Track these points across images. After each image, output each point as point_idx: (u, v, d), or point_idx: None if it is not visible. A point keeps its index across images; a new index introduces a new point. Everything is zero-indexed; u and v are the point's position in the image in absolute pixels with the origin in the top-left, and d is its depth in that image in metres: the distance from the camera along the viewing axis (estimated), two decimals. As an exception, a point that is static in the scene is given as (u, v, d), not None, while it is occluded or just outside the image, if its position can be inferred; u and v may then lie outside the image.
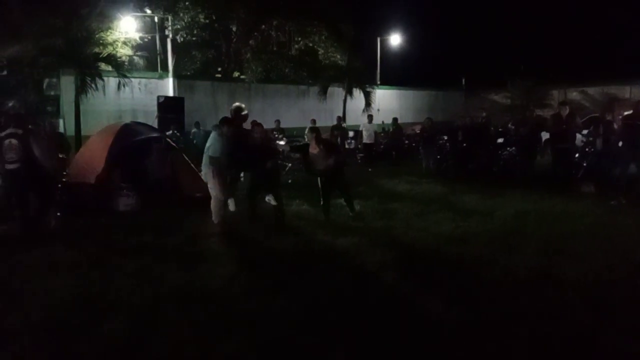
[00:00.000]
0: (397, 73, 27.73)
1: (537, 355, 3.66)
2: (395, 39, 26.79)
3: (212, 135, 7.48)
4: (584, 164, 10.61)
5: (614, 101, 19.88)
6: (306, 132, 8.09)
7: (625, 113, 10.86)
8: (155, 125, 13.58)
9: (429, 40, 31.01)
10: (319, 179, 7.80)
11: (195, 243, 6.73)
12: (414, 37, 28.65)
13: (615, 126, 11.59)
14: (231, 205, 7.96)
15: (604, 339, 3.84)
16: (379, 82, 25.49)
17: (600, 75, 22.82)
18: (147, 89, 17.21)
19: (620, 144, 10.25)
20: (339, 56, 23.20)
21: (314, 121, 15.65)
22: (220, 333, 4.02)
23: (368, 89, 20.49)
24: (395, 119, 16.81)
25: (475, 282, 5.16)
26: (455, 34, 32.74)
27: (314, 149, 7.67)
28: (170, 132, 12.36)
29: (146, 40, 19.31)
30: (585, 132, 11.48)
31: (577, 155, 11.10)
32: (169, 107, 15.34)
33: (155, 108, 15.36)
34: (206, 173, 7.45)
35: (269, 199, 7.56)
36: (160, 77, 18.15)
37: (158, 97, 15.75)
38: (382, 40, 26.70)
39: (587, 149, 11.02)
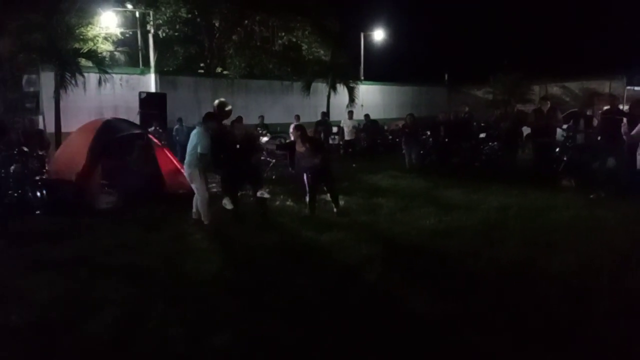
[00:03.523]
0: (381, 69, 27.76)
1: (522, 345, 3.71)
2: (378, 35, 26.83)
3: (197, 132, 7.13)
4: (565, 158, 10.76)
5: (594, 96, 20.16)
6: (291, 130, 8.09)
7: (605, 108, 11.05)
8: (137, 121, 13.42)
9: (413, 36, 31.09)
10: (305, 175, 7.80)
11: (179, 240, 6.69)
12: (397, 32, 28.72)
13: (595, 121, 11.80)
14: (228, 203, 7.41)
15: (585, 328, 3.92)
16: (362, 78, 25.50)
17: (581, 71, 23.14)
18: (128, 85, 16.98)
19: (599, 138, 10.43)
20: (322, 51, 23.15)
21: (298, 117, 15.65)
22: (206, 329, 4.01)
23: (352, 85, 20.48)
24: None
25: (460, 275, 5.21)
26: (439, 29, 32.86)
27: (300, 147, 7.67)
28: (153, 128, 12.20)
29: (127, 35, 19.03)
30: (565, 126, 11.64)
31: (557, 149, 11.25)
32: (151, 103, 15.13)
33: (137, 104, 15.17)
34: (191, 173, 7.14)
35: (262, 193, 7.49)
36: (142, 73, 17.93)
37: (140, 93, 15.54)
38: (365, 36, 26.71)
39: (567, 143, 11.17)
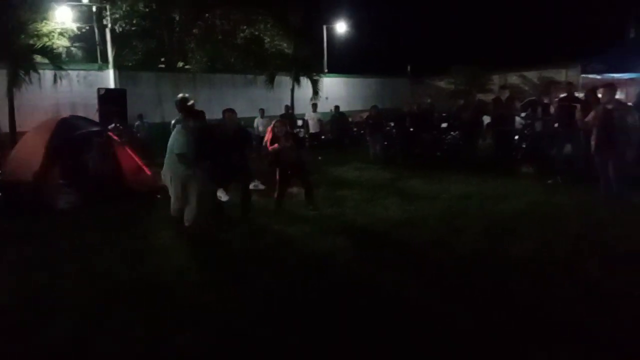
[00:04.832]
0: (345, 61, 27.84)
1: (483, 330, 3.81)
2: (341, 27, 26.88)
3: (176, 130, 6.51)
4: (523, 146, 11.05)
5: (551, 84, 20.68)
6: (276, 124, 7.75)
7: (561, 95, 11.36)
8: (96, 118, 13.11)
9: (375, 28, 31.32)
10: (279, 170, 7.62)
11: (141, 239, 6.55)
12: (360, 25, 28.85)
13: (552, 108, 12.13)
14: (223, 195, 7.03)
15: (543, 312, 4.05)
16: (326, 70, 25.51)
17: (538, 60, 23.71)
18: (86, 81, 16.54)
19: (556, 125, 10.74)
20: (285, 45, 23.02)
21: (262, 111, 15.56)
22: (169, 329, 3.97)
23: (315, 78, 20.47)
24: (336, 107, 17.24)
25: (423, 264, 5.32)
26: (400, 21, 33.20)
27: (285, 142, 7.45)
28: (113, 125, 11.94)
29: (84, 30, 18.52)
30: (523, 114, 11.93)
31: (516, 137, 11.53)
32: (110, 100, 14.81)
33: (96, 101, 14.81)
34: (165, 176, 6.53)
35: (256, 185, 7.33)
36: (100, 69, 17.49)
37: (98, 90, 15.18)
38: (328, 29, 26.71)
39: (525, 131, 11.47)
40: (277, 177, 7.66)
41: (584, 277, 4.75)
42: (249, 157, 7.65)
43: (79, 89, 16.16)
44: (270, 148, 7.61)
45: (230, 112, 7.26)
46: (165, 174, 6.50)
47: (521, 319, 3.95)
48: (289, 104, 18.63)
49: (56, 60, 14.02)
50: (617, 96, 8.76)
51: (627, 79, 14.89)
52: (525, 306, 4.19)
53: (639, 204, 7.14)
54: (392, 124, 14.06)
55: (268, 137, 7.88)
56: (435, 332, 3.80)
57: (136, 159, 9.29)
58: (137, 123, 14.56)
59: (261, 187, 7.41)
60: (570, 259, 5.21)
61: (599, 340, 3.60)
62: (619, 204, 7.09)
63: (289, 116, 16.50)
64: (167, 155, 6.45)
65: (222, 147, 6.98)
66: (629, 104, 10.00)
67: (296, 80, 20.26)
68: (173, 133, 6.53)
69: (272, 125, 7.88)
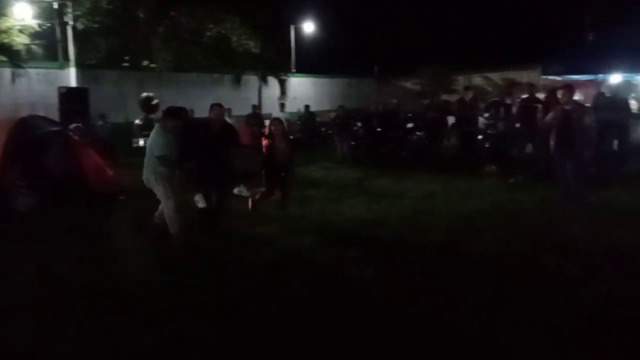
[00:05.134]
0: (313, 61, 27.87)
1: (445, 325, 3.88)
2: (308, 27, 26.90)
3: (154, 131, 6.17)
4: (486, 145, 11.29)
5: (513, 85, 21.13)
6: (273, 122, 7.50)
7: (523, 96, 11.65)
8: (57, 118, 12.76)
9: (343, 29, 31.36)
10: (267, 172, 7.37)
11: (102, 242, 6.39)
12: (328, 25, 28.89)
13: (514, 109, 12.42)
14: (200, 201, 6.74)
15: (503, 309, 4.15)
16: (294, 70, 25.50)
17: (501, 62, 24.27)
18: (46, 80, 16.10)
19: (517, 125, 11.00)
20: (252, 44, 22.90)
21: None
22: (128, 334, 3.89)
23: (282, 77, 20.50)
24: (306, 106, 17.20)
25: (388, 262, 5.39)
26: (368, 22, 33.42)
27: (279, 142, 7.27)
28: (74, 125, 11.63)
29: (45, 27, 18.01)
30: (486, 115, 12.18)
31: (480, 137, 11.77)
32: (71, 99, 14.46)
33: (57, 100, 14.43)
34: (148, 179, 6.15)
35: (240, 191, 7.08)
36: (61, 67, 17.04)
37: (59, 89, 14.80)
38: (296, 28, 26.71)
39: (488, 131, 11.72)
40: (266, 177, 7.39)
41: (541, 272, 4.90)
42: (237, 156, 7.29)
43: (39, 87, 15.72)
44: (264, 143, 7.37)
45: (218, 106, 6.85)
46: (148, 177, 6.12)
47: (482, 312, 4.05)
48: (256, 103, 18.55)
49: (15, 58, 13.64)
50: (576, 97, 9.05)
51: (585, 81, 15.40)
52: (487, 298, 4.30)
53: (596, 202, 7.40)
54: (360, 124, 14.17)
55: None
56: (396, 330, 3.85)
57: (98, 159, 9.06)
58: (99, 123, 14.21)
59: (246, 194, 7.14)
60: (530, 255, 5.37)
61: (556, 332, 3.71)
62: (577, 202, 7.32)
63: (256, 116, 16.42)
64: (146, 159, 6.10)
65: (208, 145, 6.51)
66: (587, 105, 10.35)
67: (263, 80, 20.22)
68: (151, 134, 6.19)
69: (269, 123, 7.63)
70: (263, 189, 7.51)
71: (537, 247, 5.60)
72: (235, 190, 7.07)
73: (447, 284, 4.70)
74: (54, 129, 9.16)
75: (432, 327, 3.89)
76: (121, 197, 8.04)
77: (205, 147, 6.45)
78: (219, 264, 5.44)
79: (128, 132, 12.40)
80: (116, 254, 5.87)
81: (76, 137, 9.30)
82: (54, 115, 13.11)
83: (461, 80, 24.55)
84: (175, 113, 6.26)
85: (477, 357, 3.52)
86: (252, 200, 7.57)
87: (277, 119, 7.83)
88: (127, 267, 5.38)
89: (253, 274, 5.13)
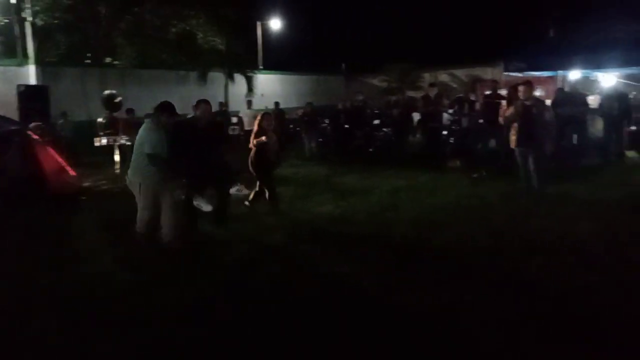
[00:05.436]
0: (280, 58, 27.80)
1: (410, 318, 3.94)
2: (275, 24, 26.78)
3: (144, 127, 5.58)
4: (451, 141, 11.48)
5: (476, 82, 21.57)
6: (264, 117, 7.20)
7: (486, 92, 11.90)
8: (16, 117, 12.39)
9: (310, 26, 31.49)
10: (262, 169, 7.14)
11: (63, 245, 6.21)
12: (295, 22, 28.89)
13: (478, 105, 12.67)
14: (204, 205, 6.11)
15: (464, 303, 4.23)
16: (261, 67, 25.35)
17: (466, 58, 24.69)
18: (5, 77, 15.58)
19: (481, 121, 11.23)
20: (218, 40, 22.65)
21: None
22: (92, 337, 3.81)
23: (249, 74, 20.35)
24: (276, 103, 17.08)
25: (355, 257, 5.42)
26: (336, 19, 33.58)
27: (270, 138, 7.03)
28: (34, 124, 11.30)
29: (2, 24, 17.44)
30: (451, 111, 12.39)
31: (444, 133, 11.96)
32: (31, 97, 14.04)
33: (15, 98, 13.99)
34: (132, 182, 5.59)
35: (239, 190, 6.81)
36: (20, 65, 16.54)
37: (18, 86, 14.35)
38: (262, 25, 26.55)
39: (453, 127, 11.91)
40: (261, 176, 7.15)
41: (503, 265, 5.03)
42: (229, 152, 6.94)
43: (-3, 85, 15.22)
44: (256, 140, 7.05)
45: (205, 103, 6.39)
46: (132, 181, 5.57)
47: (444, 311, 4.12)
48: (223, 100, 18.37)
49: (-30, 54, 13.14)
50: (536, 93, 9.29)
51: (546, 77, 15.80)
52: (449, 291, 4.38)
53: (556, 194, 7.62)
54: (327, 121, 14.21)
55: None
56: (359, 325, 3.89)
57: (59, 159, 8.83)
58: (60, 121, 13.86)
59: (245, 191, 6.89)
60: (492, 248, 5.50)
61: (515, 325, 3.81)
62: (538, 195, 7.52)
63: (222, 113, 16.27)
64: (133, 157, 5.59)
65: (196, 143, 6.01)
66: (547, 101, 10.65)
67: (230, 77, 20.03)
68: (141, 130, 5.58)
69: (259, 119, 7.25)
70: (256, 189, 7.32)
71: (498, 240, 5.73)
72: (233, 190, 6.84)
73: (417, 278, 4.76)
74: (13, 128, 8.89)
75: (407, 320, 3.95)
76: (83, 198, 7.85)
77: (192, 147, 5.94)
78: (187, 264, 5.35)
79: (90, 130, 12.13)
80: (77, 257, 5.72)
81: (36, 136, 9.04)
82: (13, 114, 12.71)
83: (427, 77, 24.86)
84: (172, 108, 5.68)
85: (448, 349, 3.58)
86: (249, 202, 7.40)
87: (268, 114, 7.47)
88: (93, 268, 5.26)
89: (225, 273, 5.08)
